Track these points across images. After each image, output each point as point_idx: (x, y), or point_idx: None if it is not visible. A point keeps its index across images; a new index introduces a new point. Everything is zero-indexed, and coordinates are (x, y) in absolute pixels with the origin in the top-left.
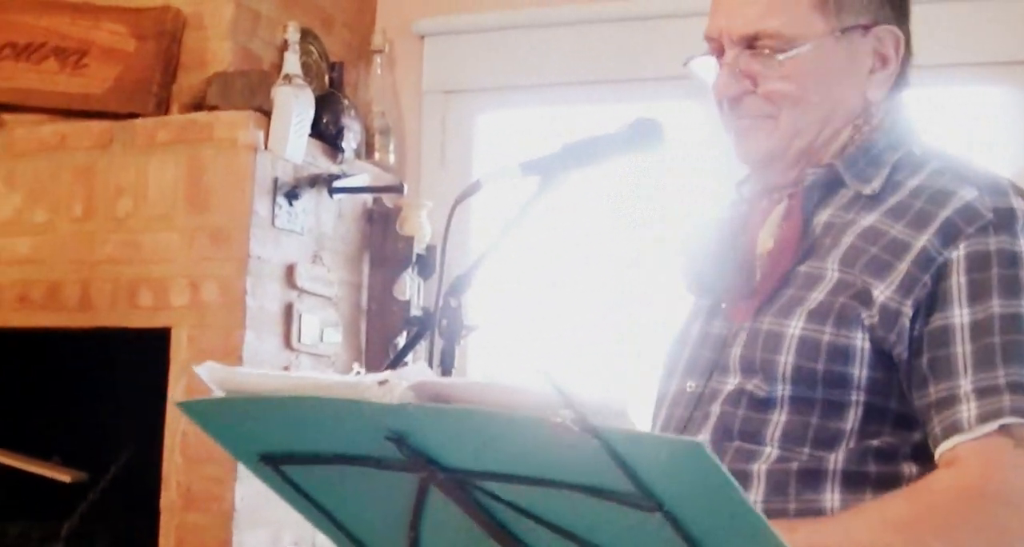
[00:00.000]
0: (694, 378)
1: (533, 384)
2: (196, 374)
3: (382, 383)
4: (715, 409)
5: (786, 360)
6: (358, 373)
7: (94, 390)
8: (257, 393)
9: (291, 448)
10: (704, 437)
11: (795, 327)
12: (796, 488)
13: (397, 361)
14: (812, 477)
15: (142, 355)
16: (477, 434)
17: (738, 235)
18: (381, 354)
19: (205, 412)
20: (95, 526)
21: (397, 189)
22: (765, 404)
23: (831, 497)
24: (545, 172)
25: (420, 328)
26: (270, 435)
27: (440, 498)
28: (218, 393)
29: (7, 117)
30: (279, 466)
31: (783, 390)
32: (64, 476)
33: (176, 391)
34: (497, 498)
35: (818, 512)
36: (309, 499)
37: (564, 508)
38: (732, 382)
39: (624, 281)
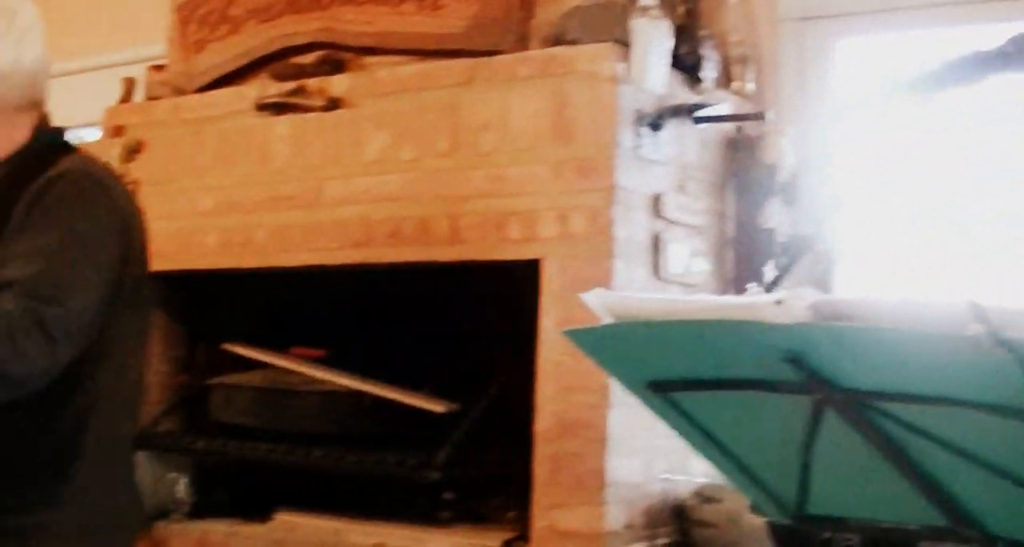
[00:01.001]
0: None
1: (938, 300)
2: (567, 304)
3: (778, 303)
4: None
5: None
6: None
7: (464, 322)
8: (649, 319)
9: (679, 374)
10: None
11: None
12: None
13: (772, 288)
14: None
15: (511, 287)
16: (881, 353)
17: None
18: (748, 282)
19: (593, 340)
20: (468, 454)
21: (760, 116)
22: None
23: None
24: (922, 89)
25: (792, 254)
26: (659, 361)
27: (834, 420)
28: (607, 320)
29: (369, 60)
30: (667, 393)
31: None
32: (437, 406)
33: (547, 321)
34: (895, 419)
35: None
36: (695, 425)
37: (966, 429)
38: None
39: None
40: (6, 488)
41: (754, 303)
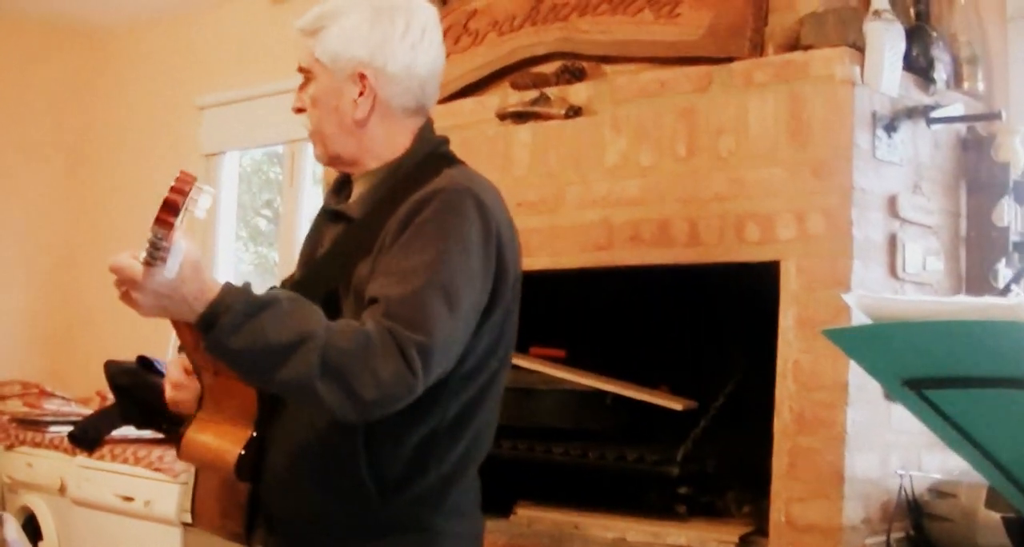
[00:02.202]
0: None
1: None
2: (805, 304)
3: None
4: None
5: None
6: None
7: (701, 322)
8: (908, 319)
9: (935, 372)
10: None
11: None
12: None
13: (1011, 287)
14: None
15: (749, 287)
16: None
17: None
18: (981, 281)
19: (853, 339)
20: (706, 450)
21: (996, 116)
22: None
23: None
24: None
25: None
26: (915, 359)
27: None
28: (862, 320)
29: (608, 68)
30: (922, 390)
31: None
32: (676, 404)
33: (786, 320)
34: None
35: None
36: (949, 421)
37: None
38: None
39: None
40: (347, 509)
41: (1018, 304)
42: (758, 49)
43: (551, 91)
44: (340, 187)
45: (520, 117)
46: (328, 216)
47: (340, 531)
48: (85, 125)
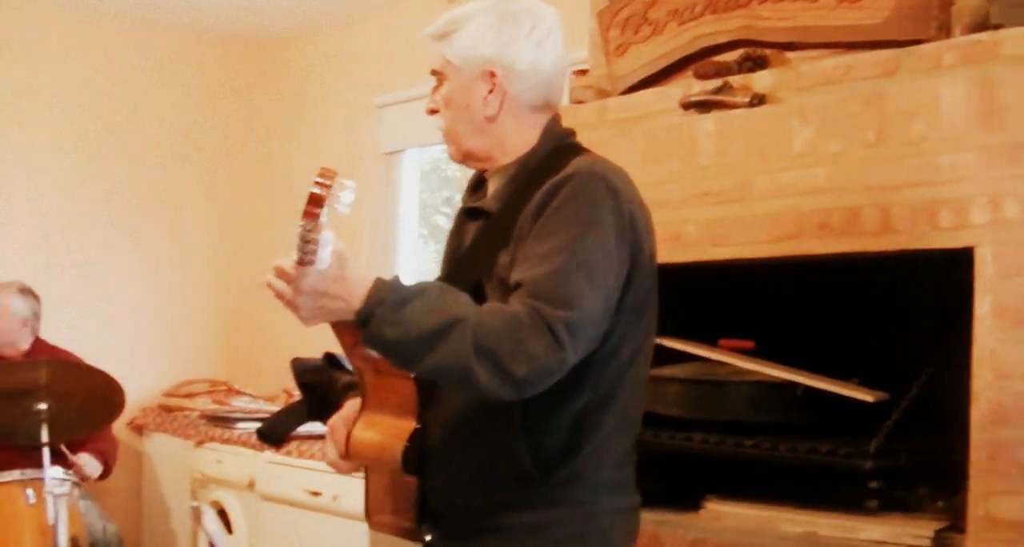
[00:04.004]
0: None
1: None
2: (1002, 291)
3: None
4: None
5: None
6: None
7: (891, 312)
8: None
9: None
10: None
11: None
12: None
13: None
14: None
15: (941, 275)
16: None
17: None
18: None
19: None
20: (898, 442)
21: None
22: None
23: None
24: None
25: None
26: None
27: None
28: None
29: (791, 55)
30: None
31: None
32: (867, 396)
33: (981, 309)
34: None
35: None
36: None
37: None
38: None
39: None
40: (508, 491)
41: None
42: (944, 30)
43: (734, 80)
44: (476, 186)
45: (704, 106)
46: (467, 214)
47: (501, 513)
48: (268, 130)
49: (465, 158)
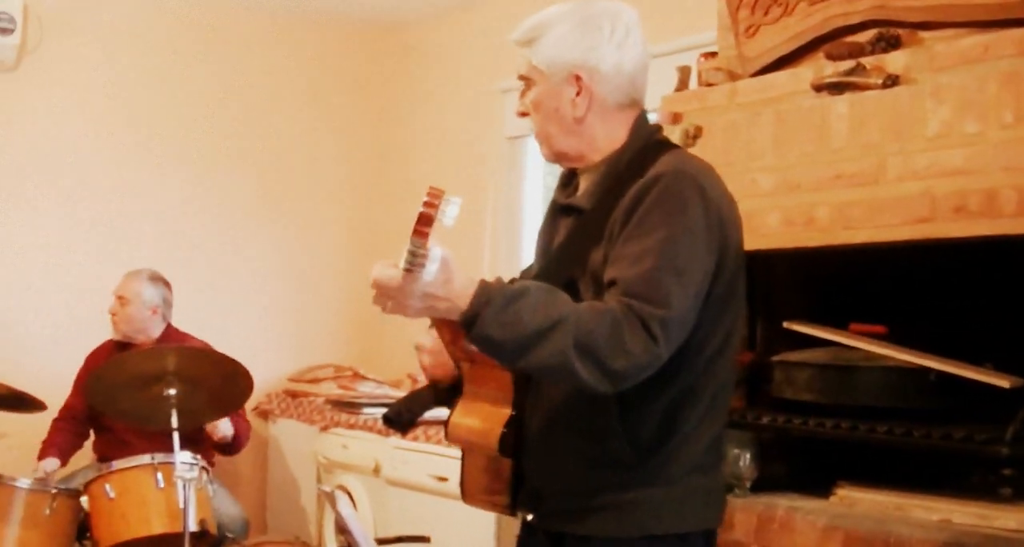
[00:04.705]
0: None
1: None
2: None
3: None
4: None
5: None
6: None
7: None
8: None
9: None
10: None
11: None
12: None
13: None
14: None
15: None
16: None
17: None
18: None
19: None
20: None
21: None
22: None
23: None
24: None
25: None
26: None
27: None
28: None
29: (925, 34)
30: None
31: None
32: (1002, 381)
33: None
34: None
35: None
36: None
37: None
38: None
39: None
40: (604, 473)
41: None
42: None
43: (867, 60)
44: (567, 182)
45: (836, 88)
46: (559, 210)
47: (596, 494)
48: (392, 116)
49: (557, 158)
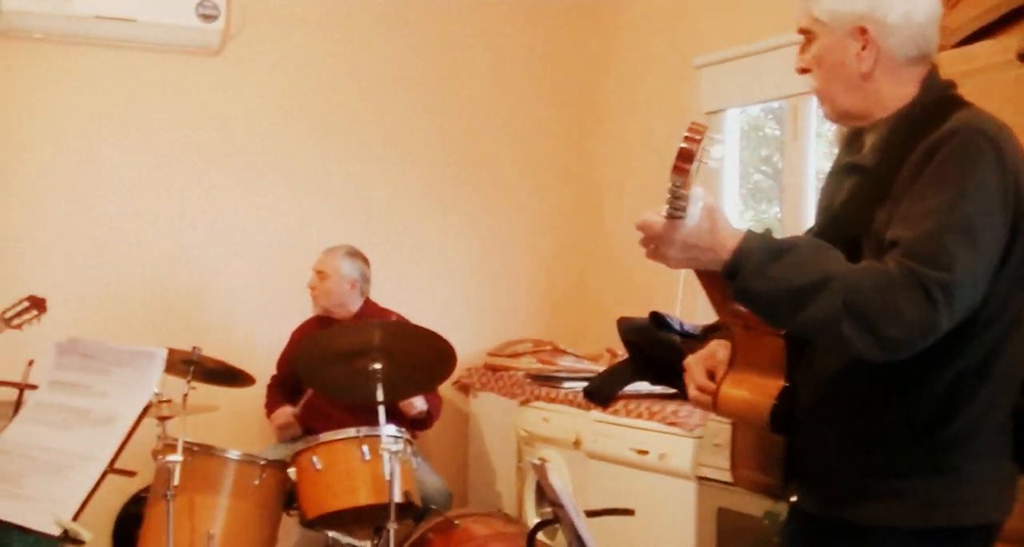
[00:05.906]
0: None
1: None
2: None
3: None
4: None
5: None
6: None
7: None
8: None
9: None
10: None
11: None
12: None
13: None
14: None
15: None
16: None
17: None
18: None
19: None
20: None
21: None
22: None
23: None
24: None
25: None
26: None
27: None
28: None
29: None
30: None
31: None
32: None
33: None
34: None
35: None
36: None
37: None
38: None
39: None
40: (875, 453)
41: None
42: None
43: None
44: (852, 140)
45: None
46: (844, 169)
47: (871, 478)
48: (586, 91)
49: (841, 117)
